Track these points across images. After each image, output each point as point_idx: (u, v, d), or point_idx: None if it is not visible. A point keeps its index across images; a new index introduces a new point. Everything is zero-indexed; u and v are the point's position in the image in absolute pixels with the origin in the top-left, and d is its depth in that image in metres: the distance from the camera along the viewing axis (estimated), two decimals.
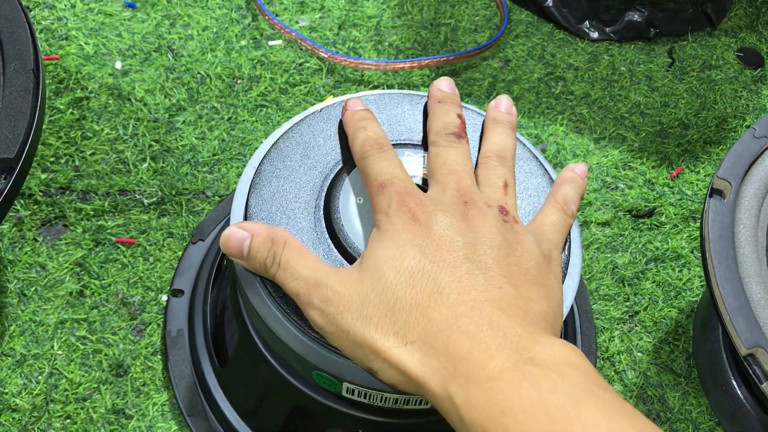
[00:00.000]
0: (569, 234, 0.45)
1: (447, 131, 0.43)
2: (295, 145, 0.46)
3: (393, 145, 0.47)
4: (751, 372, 0.43)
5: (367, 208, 0.43)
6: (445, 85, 0.46)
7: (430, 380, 0.34)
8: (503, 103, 0.46)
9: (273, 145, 0.46)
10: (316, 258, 0.39)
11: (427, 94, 0.49)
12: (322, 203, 0.44)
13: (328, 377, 0.41)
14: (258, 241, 0.39)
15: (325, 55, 0.72)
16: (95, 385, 0.53)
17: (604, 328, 0.60)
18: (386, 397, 0.41)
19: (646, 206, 0.67)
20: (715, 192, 0.49)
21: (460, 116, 0.44)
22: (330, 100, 0.49)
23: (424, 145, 0.47)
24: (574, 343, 0.56)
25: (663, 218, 0.66)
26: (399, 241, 0.37)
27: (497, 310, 0.35)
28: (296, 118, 0.48)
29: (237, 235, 0.39)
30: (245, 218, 0.43)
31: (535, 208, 0.45)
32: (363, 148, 0.42)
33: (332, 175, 0.45)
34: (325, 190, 0.45)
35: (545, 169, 0.47)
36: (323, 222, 0.43)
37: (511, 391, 0.32)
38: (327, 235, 0.43)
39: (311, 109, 0.48)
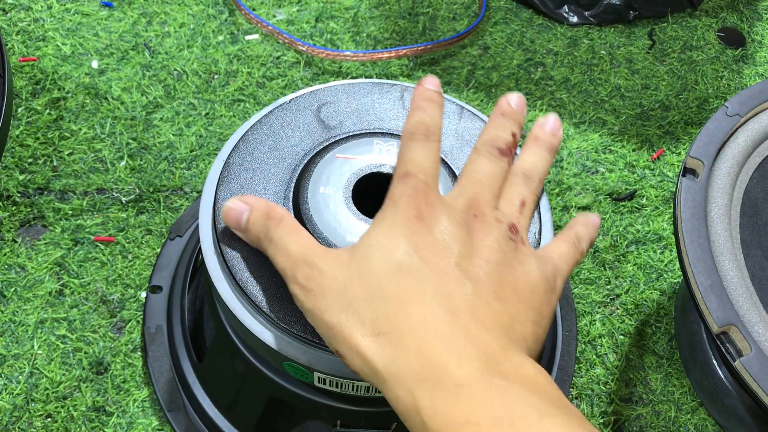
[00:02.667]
0: (540, 217, 0.45)
1: (495, 144, 0.42)
2: (264, 137, 0.46)
3: (363, 134, 0.47)
4: (723, 350, 0.43)
5: (335, 198, 0.43)
6: (515, 101, 0.44)
7: (396, 378, 0.34)
8: (550, 122, 0.45)
9: (242, 137, 0.46)
10: (309, 237, 0.39)
11: (397, 83, 0.49)
12: (291, 194, 0.44)
13: (299, 367, 0.41)
14: (255, 216, 0.39)
15: (303, 48, 0.72)
16: (76, 384, 0.53)
17: (585, 311, 0.60)
18: (358, 386, 0.41)
19: (626, 189, 0.66)
20: (687, 171, 0.49)
21: (514, 135, 0.43)
22: (300, 91, 0.49)
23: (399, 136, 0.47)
24: (554, 327, 0.56)
25: (644, 201, 0.66)
26: (396, 233, 0.37)
27: (477, 321, 0.35)
28: (265, 110, 0.48)
29: (237, 207, 0.40)
30: (214, 212, 0.43)
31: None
32: (411, 129, 0.41)
33: (301, 167, 0.45)
34: (294, 181, 0.44)
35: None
36: (292, 213, 0.43)
37: (477, 400, 0.32)
38: None
39: (280, 101, 0.48)
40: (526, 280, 0.37)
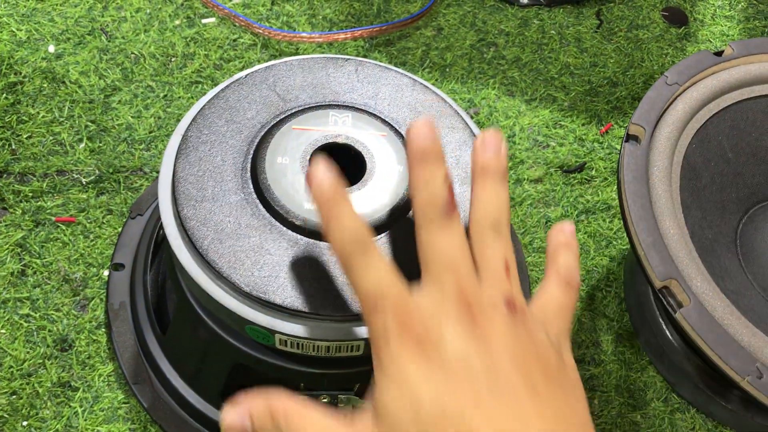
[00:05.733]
0: None
1: (436, 205, 0.35)
2: (221, 111, 0.47)
3: (318, 106, 0.48)
4: (666, 303, 0.45)
5: (293, 167, 0.45)
6: (426, 132, 0.35)
7: None
8: (490, 143, 0.37)
9: (199, 111, 0.47)
10: (323, 413, 0.33)
11: (351, 58, 0.50)
12: (248, 165, 0.45)
13: (260, 330, 0.42)
14: (260, 423, 0.33)
15: (260, 30, 0.73)
16: (40, 361, 0.54)
17: (538, 279, 0.62)
18: (318, 346, 0.42)
19: (576, 162, 0.69)
20: (630, 137, 0.51)
21: (446, 178, 0.35)
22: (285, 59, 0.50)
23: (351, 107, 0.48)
24: None
25: (593, 172, 0.68)
26: (410, 382, 0.31)
27: None
28: (221, 85, 0.49)
29: (235, 422, 0.34)
30: (173, 184, 0.44)
31: (458, 159, 0.46)
32: (343, 247, 0.34)
33: (258, 138, 0.46)
34: (252, 152, 0.46)
35: (466, 122, 0.49)
36: (251, 183, 0.44)
37: None
38: (255, 196, 0.44)
39: (236, 76, 0.49)
40: (547, 359, 0.33)
